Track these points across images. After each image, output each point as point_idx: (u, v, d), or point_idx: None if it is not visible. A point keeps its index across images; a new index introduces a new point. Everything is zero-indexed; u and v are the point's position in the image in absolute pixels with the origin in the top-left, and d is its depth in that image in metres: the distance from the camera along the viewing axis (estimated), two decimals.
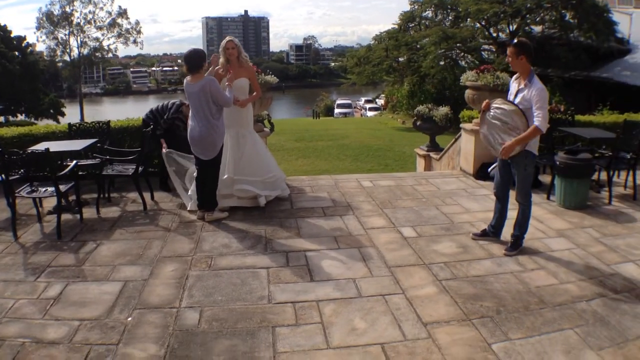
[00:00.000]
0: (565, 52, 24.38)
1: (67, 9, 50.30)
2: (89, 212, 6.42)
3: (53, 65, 58.53)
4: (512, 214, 5.42)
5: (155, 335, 3.75)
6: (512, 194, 5.35)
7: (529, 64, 4.98)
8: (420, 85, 32.67)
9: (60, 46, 51.62)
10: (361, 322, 3.95)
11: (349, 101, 54.98)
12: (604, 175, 7.29)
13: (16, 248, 5.38)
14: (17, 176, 5.95)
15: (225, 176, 6.36)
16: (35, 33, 53.29)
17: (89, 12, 51.09)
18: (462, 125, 8.92)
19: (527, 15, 27.43)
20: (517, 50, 4.95)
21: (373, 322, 3.95)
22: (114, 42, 53.48)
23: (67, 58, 53.22)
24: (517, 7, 26.60)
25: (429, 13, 33.18)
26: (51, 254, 5.18)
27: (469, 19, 30.18)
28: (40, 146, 6.07)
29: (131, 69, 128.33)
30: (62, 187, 5.77)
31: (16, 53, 41.93)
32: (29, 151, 5.65)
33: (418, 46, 31.89)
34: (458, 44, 28.97)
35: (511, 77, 5.47)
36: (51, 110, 43.32)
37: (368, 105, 52.32)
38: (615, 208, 6.75)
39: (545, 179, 7.85)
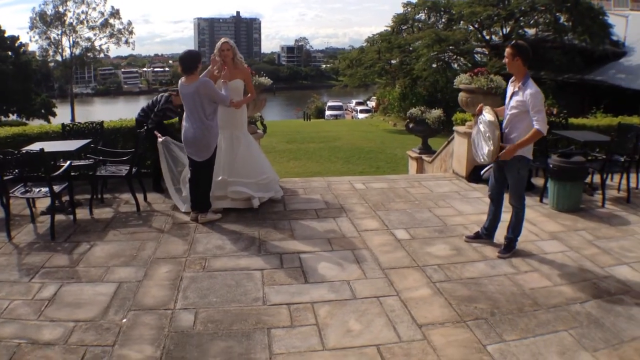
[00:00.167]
0: (559, 55, 24.21)
1: (61, 9, 50.06)
2: (82, 213, 6.39)
3: (45, 65, 58.09)
4: (506, 216, 5.44)
5: (151, 336, 3.75)
6: (507, 197, 5.38)
7: (525, 67, 5.00)
8: (412, 87, 32.61)
9: (53, 46, 51.35)
10: (356, 323, 3.97)
11: (340, 103, 54.74)
12: (597, 178, 7.33)
13: (10, 249, 5.35)
14: (11, 176, 5.92)
15: (219, 178, 6.37)
16: (28, 33, 52.86)
17: (82, 12, 50.86)
18: (454, 127, 8.96)
19: (521, 18, 27.47)
20: (513, 52, 4.97)
21: (368, 324, 3.96)
22: (105, 43, 53.12)
23: (59, 58, 52.94)
24: (511, 10, 26.63)
25: (422, 15, 33.19)
26: (45, 255, 5.16)
27: (462, 22, 30.18)
28: (34, 146, 6.05)
29: (122, 70, 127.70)
30: (56, 188, 5.74)
31: (9, 53, 41.53)
32: (24, 151, 5.63)
33: (411, 49, 31.80)
34: (451, 47, 28.92)
35: (505, 80, 5.50)
36: (42, 111, 43.01)
37: (359, 108, 52.03)
38: (609, 211, 6.80)
39: (538, 181, 7.89)
